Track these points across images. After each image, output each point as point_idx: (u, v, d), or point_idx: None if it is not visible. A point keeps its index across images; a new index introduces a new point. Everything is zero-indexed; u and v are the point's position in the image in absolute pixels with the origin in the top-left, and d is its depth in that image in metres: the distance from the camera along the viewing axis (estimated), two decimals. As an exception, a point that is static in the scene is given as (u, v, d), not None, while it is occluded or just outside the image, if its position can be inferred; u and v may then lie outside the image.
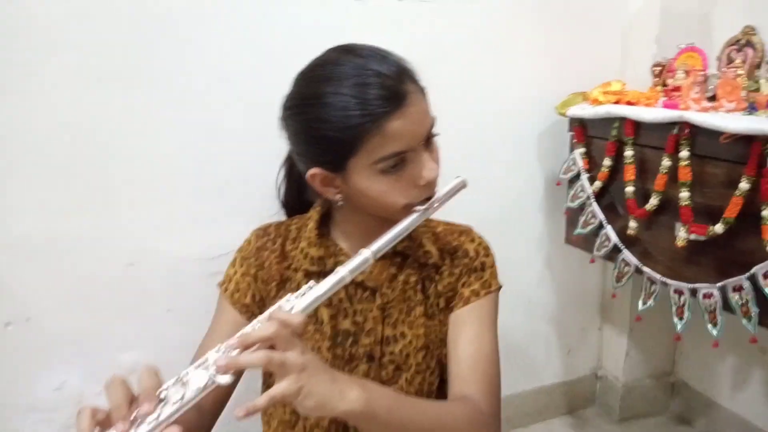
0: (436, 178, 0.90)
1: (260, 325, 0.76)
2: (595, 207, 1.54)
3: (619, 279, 1.50)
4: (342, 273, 0.82)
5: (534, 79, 1.68)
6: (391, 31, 1.44)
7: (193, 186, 1.40)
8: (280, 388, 0.72)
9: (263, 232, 1.06)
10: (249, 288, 1.02)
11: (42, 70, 1.24)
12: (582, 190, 1.58)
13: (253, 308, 1.01)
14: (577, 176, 1.60)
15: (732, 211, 1.15)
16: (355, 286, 1.00)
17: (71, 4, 1.24)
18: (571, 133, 1.62)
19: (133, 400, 0.70)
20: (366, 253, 0.84)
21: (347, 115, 0.82)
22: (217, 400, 0.97)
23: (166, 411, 0.70)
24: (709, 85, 1.47)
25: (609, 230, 1.51)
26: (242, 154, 1.40)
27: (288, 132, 0.92)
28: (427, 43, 1.50)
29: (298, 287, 0.85)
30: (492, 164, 1.70)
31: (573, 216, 1.65)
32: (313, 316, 0.99)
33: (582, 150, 1.58)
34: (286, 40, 1.37)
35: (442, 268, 1.03)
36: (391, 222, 0.89)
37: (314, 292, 0.81)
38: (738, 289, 1.17)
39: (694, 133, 1.23)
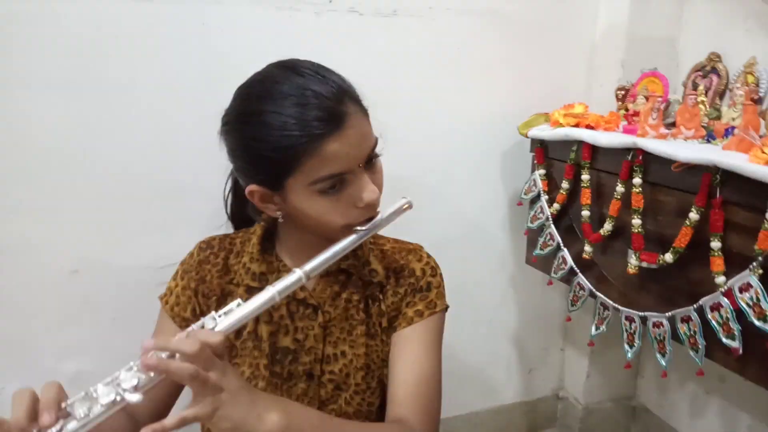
0: (377, 199, 0.89)
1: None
2: (552, 229, 1.53)
3: (574, 302, 1.48)
4: (271, 292, 0.81)
5: (497, 97, 1.66)
6: (348, 46, 1.44)
7: (142, 194, 1.38)
8: (193, 409, 0.71)
9: (207, 244, 1.05)
10: (189, 302, 1.00)
11: None
12: (541, 212, 1.57)
13: (192, 322, 0.96)
14: (538, 197, 1.58)
15: (682, 241, 1.14)
16: (297, 302, 0.98)
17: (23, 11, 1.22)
18: (533, 153, 1.61)
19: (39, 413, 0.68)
20: (298, 273, 0.83)
21: (284, 135, 0.80)
22: (155, 412, 0.95)
23: (71, 426, 0.68)
24: (672, 110, 1.46)
25: (566, 253, 1.50)
26: (193, 163, 1.37)
27: (226, 147, 0.91)
28: (386, 59, 1.49)
29: None
30: (453, 182, 1.69)
31: (533, 237, 1.64)
32: (252, 332, 0.98)
33: (542, 171, 1.57)
34: (242, 51, 1.34)
35: (387, 287, 1.02)
36: (333, 241, 0.88)
37: (240, 310, 0.79)
38: (686, 320, 1.16)
39: (648, 160, 1.22)
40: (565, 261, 1.49)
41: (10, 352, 1.33)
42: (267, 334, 0.97)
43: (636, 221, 1.24)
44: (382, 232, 0.95)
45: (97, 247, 1.36)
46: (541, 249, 1.57)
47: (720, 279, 1.07)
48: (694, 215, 1.11)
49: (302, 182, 0.84)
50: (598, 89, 1.72)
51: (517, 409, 1.99)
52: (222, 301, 1.00)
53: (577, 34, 1.72)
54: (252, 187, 0.89)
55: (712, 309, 1.09)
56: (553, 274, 1.55)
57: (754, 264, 1.00)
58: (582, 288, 1.45)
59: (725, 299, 1.06)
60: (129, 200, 1.37)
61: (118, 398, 0.70)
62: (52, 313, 1.36)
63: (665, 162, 1.16)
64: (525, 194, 1.62)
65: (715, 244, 1.08)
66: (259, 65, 0.90)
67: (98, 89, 1.29)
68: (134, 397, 0.70)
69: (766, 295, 0.99)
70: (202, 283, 1.00)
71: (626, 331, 1.32)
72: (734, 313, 1.05)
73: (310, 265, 0.84)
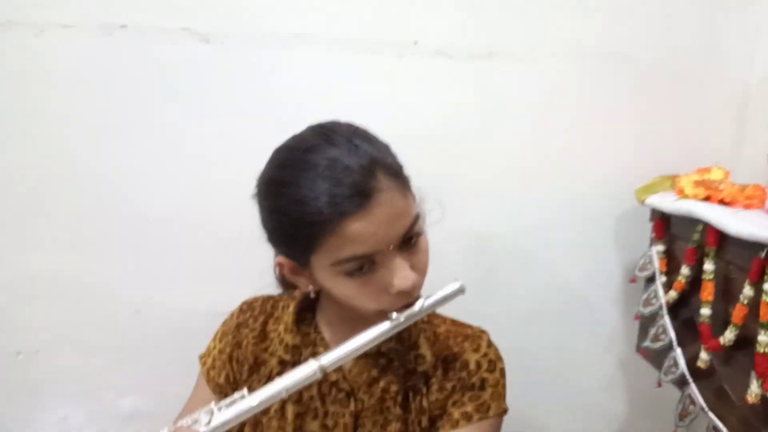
0: (412, 286, 0.77)
1: None
2: (666, 321, 1.26)
3: (682, 417, 1.21)
4: (278, 387, 0.74)
5: (616, 154, 1.43)
6: (434, 94, 1.32)
7: (205, 239, 1.37)
8: None
9: (248, 306, 1.01)
10: (224, 367, 0.97)
11: (57, 118, 1.29)
12: (655, 297, 1.30)
13: (226, 389, 0.95)
14: (653, 278, 1.32)
15: (819, 378, 0.85)
16: (330, 384, 0.89)
17: (78, 54, 1.26)
18: (651, 224, 1.35)
19: None
20: (313, 366, 0.75)
21: (305, 211, 0.73)
22: None
23: None
24: None
25: (678, 354, 1.22)
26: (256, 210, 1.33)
27: (258, 211, 0.85)
28: (478, 108, 1.36)
29: (270, 376, 0.84)
30: (553, 247, 1.49)
31: (645, 324, 1.37)
32: (278, 410, 0.91)
33: (661, 248, 1.31)
34: (313, 99, 1.27)
35: (433, 379, 0.90)
36: (371, 322, 0.79)
37: (243, 404, 0.73)
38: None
39: (789, 262, 0.94)
40: (676, 364, 1.22)
41: (75, 384, 1.40)
42: (293, 415, 0.89)
43: (763, 338, 0.96)
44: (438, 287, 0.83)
45: (158, 290, 1.38)
46: (651, 342, 1.31)
47: None
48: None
49: (325, 262, 0.76)
50: (749, 152, 1.39)
51: None
52: (255, 369, 0.95)
53: (725, 83, 1.42)
54: (280, 259, 0.85)
55: None
56: (662, 376, 1.28)
57: None
58: (693, 402, 1.17)
59: None
60: (190, 245, 1.37)
61: None
62: (116, 349, 1.41)
63: (810, 269, 0.88)
64: (639, 271, 1.37)
65: None
66: (331, 114, 0.83)
67: (167, 133, 1.31)
68: None
69: None
70: (238, 348, 0.96)
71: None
72: None
73: (328, 358, 0.76)
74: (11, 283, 1.35)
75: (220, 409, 0.73)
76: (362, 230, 0.72)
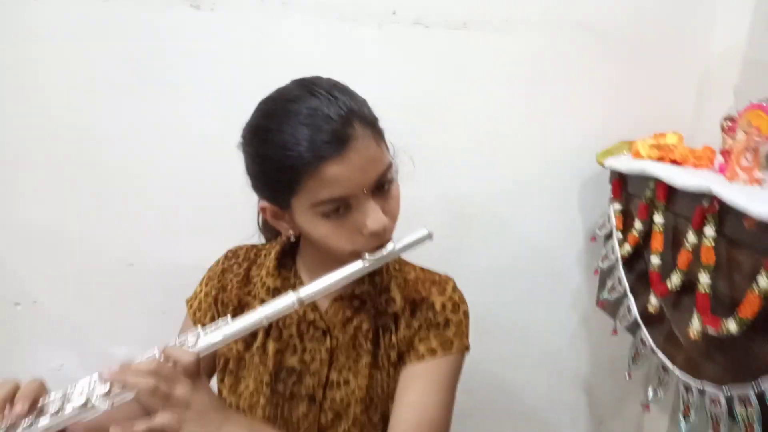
0: (384, 228, 0.84)
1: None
2: (621, 273, 1.37)
3: (635, 359, 1.32)
4: (258, 316, 0.81)
5: (583, 121, 1.52)
6: (412, 62, 1.39)
7: (195, 196, 1.43)
8: (161, 418, 0.72)
9: (233, 254, 1.07)
10: (209, 309, 1.03)
11: (57, 75, 1.34)
12: (612, 251, 1.41)
13: None
14: (611, 235, 1.43)
15: (747, 310, 0.96)
16: (308, 323, 0.97)
17: (74, 18, 1.32)
18: (610, 186, 1.45)
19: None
20: (292, 298, 0.82)
21: (286, 154, 0.79)
22: None
23: (42, 422, 0.72)
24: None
25: (632, 302, 1.33)
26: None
27: (244, 158, 0.91)
28: (453, 76, 1.42)
29: None
30: (524, 209, 1.58)
31: (603, 277, 1.48)
32: (260, 346, 0.98)
33: (618, 207, 1.41)
34: (301, 63, 1.31)
35: (401, 319, 0.97)
36: (344, 264, 0.85)
37: (226, 329, 0.80)
38: (744, 401, 0.97)
39: (725, 209, 1.04)
40: (630, 311, 1.33)
41: (71, 333, 1.47)
42: (274, 351, 0.96)
43: (704, 279, 1.07)
44: (418, 258, 0.91)
45: (150, 244, 1.45)
46: (608, 293, 1.42)
47: (787, 362, 0.89)
48: (764, 282, 0.93)
49: (305, 203, 0.82)
50: (707, 121, 1.50)
51: (584, 462, 1.82)
52: (238, 312, 0.99)
53: (687, 56, 1.51)
54: (263, 204, 0.90)
55: (775, 395, 0.91)
56: (617, 323, 1.39)
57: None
58: (644, 344, 1.28)
59: (790, 387, 0.88)
60: (180, 201, 1.44)
61: (89, 405, 0.73)
62: (109, 300, 1.47)
63: (741, 215, 0.98)
64: (599, 229, 1.47)
65: (785, 319, 0.89)
66: (314, 73, 0.89)
67: (159, 94, 1.36)
68: (103, 405, 0.73)
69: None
70: (223, 291, 1.02)
71: (683, 401, 1.14)
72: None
73: (305, 291, 0.83)
74: (10, 236, 1.41)
75: (206, 332, 0.80)
76: (339, 174, 0.79)
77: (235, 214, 1.40)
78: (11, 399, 0.72)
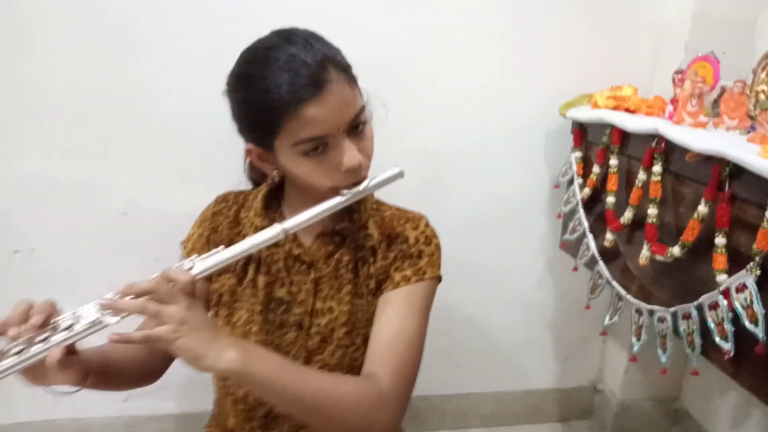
0: (359, 165, 0.92)
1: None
2: (581, 214, 1.49)
3: (593, 290, 1.45)
4: (248, 244, 0.88)
5: (546, 75, 1.62)
6: (383, 16, 1.46)
7: (186, 146, 1.50)
8: (158, 330, 0.78)
9: (223, 198, 1.14)
10: (203, 249, 1.07)
11: (51, 34, 1.38)
12: (573, 196, 1.53)
13: None
14: (572, 180, 1.54)
15: (689, 234, 1.08)
16: (294, 258, 1.05)
17: None
18: (571, 135, 1.57)
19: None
20: (277, 228, 0.89)
21: (267, 97, 0.86)
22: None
23: (56, 337, 0.77)
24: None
25: (590, 239, 1.45)
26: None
27: (229, 104, 0.97)
28: (423, 30, 1.50)
29: None
30: (492, 162, 1.68)
31: (566, 220, 1.60)
32: (251, 280, 1.05)
33: (578, 154, 1.53)
34: (277, 18, 1.37)
35: (378, 251, 1.05)
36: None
37: (218, 256, 0.87)
38: (686, 317, 1.10)
39: (671, 148, 1.16)
40: (588, 248, 1.45)
41: (67, 280, 1.51)
42: (264, 284, 1.04)
43: (652, 211, 1.19)
44: (392, 198, 0.99)
45: (143, 193, 1.51)
46: (570, 234, 1.54)
47: (721, 277, 1.01)
48: (702, 209, 1.05)
49: (287, 143, 0.89)
50: (661, 75, 1.62)
51: (549, 396, 1.97)
52: None
53: (643, 14, 1.63)
54: (249, 146, 0.97)
55: (710, 308, 1.04)
56: (578, 261, 1.51)
57: (752, 264, 0.94)
58: (601, 277, 1.41)
59: (723, 299, 1.00)
60: (172, 151, 1.50)
61: (98, 321, 0.79)
62: (104, 248, 1.54)
63: (686, 151, 1.10)
64: (561, 176, 1.59)
65: (719, 241, 1.01)
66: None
67: (149, 48, 1.42)
68: (111, 320, 0.79)
69: (759, 297, 0.93)
70: (215, 232, 1.09)
71: (635, 323, 1.27)
72: (730, 314, 0.99)
73: (289, 223, 0.90)
74: (8, 187, 1.47)
75: (200, 259, 0.87)
76: (317, 114, 0.85)
77: (224, 163, 1.49)
78: (26, 315, 0.78)
